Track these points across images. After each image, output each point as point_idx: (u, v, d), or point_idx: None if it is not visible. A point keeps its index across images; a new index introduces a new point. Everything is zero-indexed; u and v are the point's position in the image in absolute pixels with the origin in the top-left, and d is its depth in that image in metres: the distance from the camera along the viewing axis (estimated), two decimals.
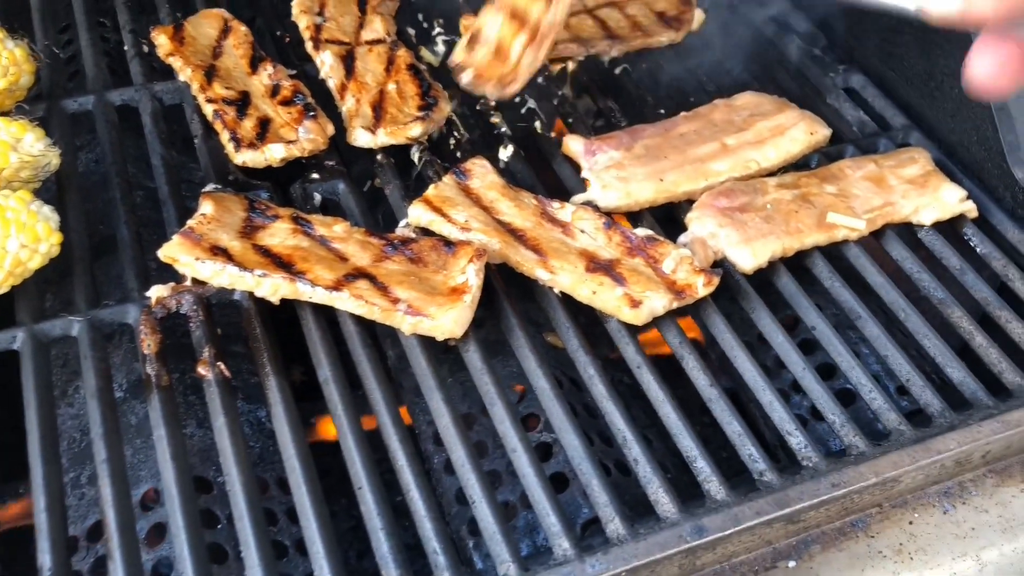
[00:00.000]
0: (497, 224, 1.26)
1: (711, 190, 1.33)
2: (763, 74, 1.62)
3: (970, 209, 1.37)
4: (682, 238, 1.29)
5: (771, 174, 1.40)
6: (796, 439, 1.10)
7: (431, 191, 1.28)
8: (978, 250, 1.35)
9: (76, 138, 1.41)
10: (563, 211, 1.29)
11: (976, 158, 1.43)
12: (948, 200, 1.36)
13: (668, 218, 1.35)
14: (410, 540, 1.06)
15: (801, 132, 1.42)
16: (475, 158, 1.34)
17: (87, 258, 1.22)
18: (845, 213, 1.31)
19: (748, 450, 1.08)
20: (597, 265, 1.23)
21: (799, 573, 1.03)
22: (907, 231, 1.37)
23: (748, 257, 1.26)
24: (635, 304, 1.18)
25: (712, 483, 1.05)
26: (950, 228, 1.38)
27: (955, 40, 1.40)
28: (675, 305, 1.21)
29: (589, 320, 1.24)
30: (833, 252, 1.32)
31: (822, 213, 1.31)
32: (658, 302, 1.19)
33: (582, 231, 1.27)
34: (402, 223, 1.28)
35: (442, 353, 1.25)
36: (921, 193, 1.36)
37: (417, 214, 1.26)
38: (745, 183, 1.34)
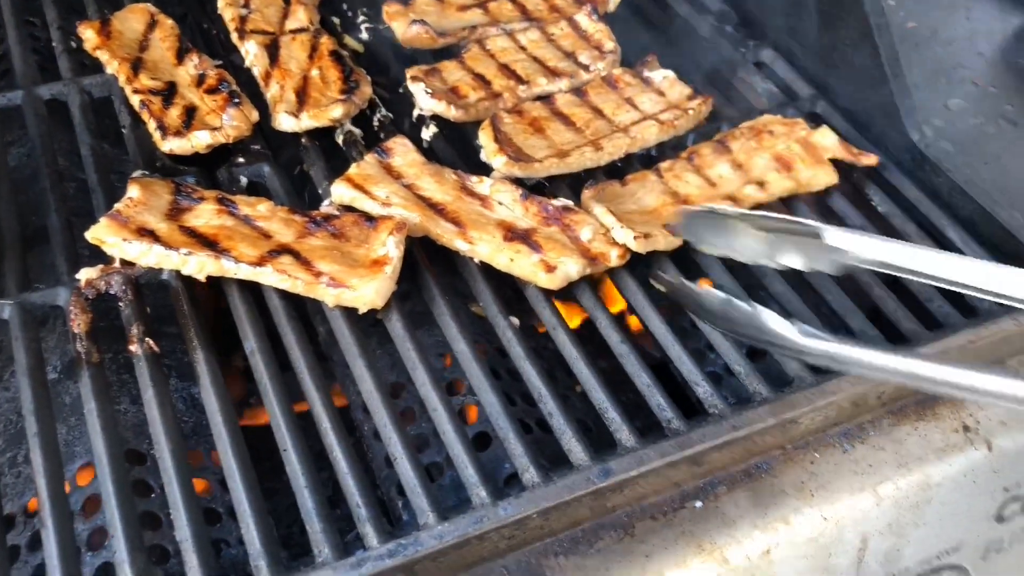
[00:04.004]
0: (418, 199, 1.31)
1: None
2: (677, 51, 1.68)
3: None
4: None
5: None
6: (703, 389, 1.16)
7: (353, 169, 1.33)
8: (879, 209, 1.42)
9: (7, 134, 1.45)
10: (481, 185, 1.34)
11: (878, 123, 1.50)
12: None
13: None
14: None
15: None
16: (396, 137, 1.38)
17: (19, 246, 1.26)
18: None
19: (656, 400, 1.14)
20: (514, 234, 1.28)
21: (705, 513, 1.09)
22: (817, 198, 1.43)
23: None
24: (550, 269, 1.24)
25: (623, 432, 1.11)
26: (854, 191, 1.45)
27: (853, 13, 1.48)
28: (588, 271, 1.26)
29: (514, 292, 1.30)
30: None
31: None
32: (572, 267, 1.24)
33: (500, 203, 1.33)
34: (326, 202, 1.33)
35: (370, 327, 1.29)
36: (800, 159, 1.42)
37: (340, 192, 1.30)
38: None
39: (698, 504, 1.10)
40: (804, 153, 1.42)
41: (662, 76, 1.52)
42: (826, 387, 1.14)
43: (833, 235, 1.10)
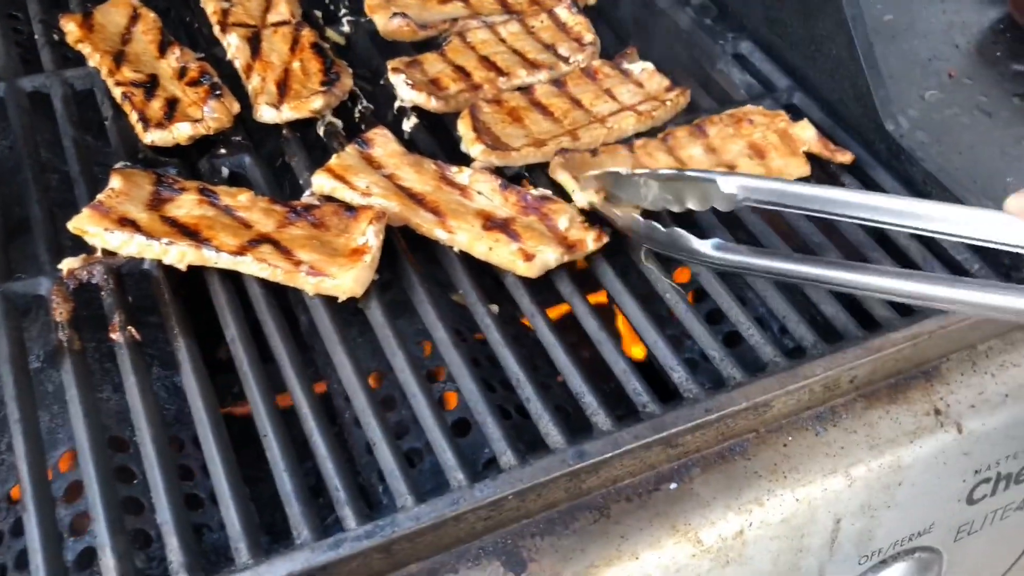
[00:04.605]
0: (397, 189, 1.32)
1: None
2: (656, 44, 1.70)
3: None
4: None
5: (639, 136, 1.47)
6: (678, 374, 1.18)
7: (334, 160, 1.34)
8: None
9: None
10: (461, 175, 1.36)
11: (854, 114, 1.52)
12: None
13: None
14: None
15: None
16: (377, 128, 1.40)
17: (1, 236, 1.27)
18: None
19: (633, 385, 1.16)
20: (493, 224, 1.29)
21: (680, 494, 1.11)
22: None
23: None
24: (528, 258, 1.25)
25: (599, 416, 1.12)
26: (830, 180, 1.47)
27: (830, 5, 1.50)
28: (567, 259, 1.28)
29: (494, 281, 1.31)
30: None
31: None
32: (550, 255, 1.26)
33: (479, 193, 1.34)
34: (307, 192, 1.34)
35: (351, 316, 1.31)
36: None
37: (320, 182, 1.32)
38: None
39: (672, 486, 1.11)
40: (780, 143, 1.44)
41: (640, 68, 1.54)
42: (798, 371, 1.16)
43: (726, 181, 1.19)
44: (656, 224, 1.23)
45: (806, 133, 1.46)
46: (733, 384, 1.16)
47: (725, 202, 1.20)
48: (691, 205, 1.25)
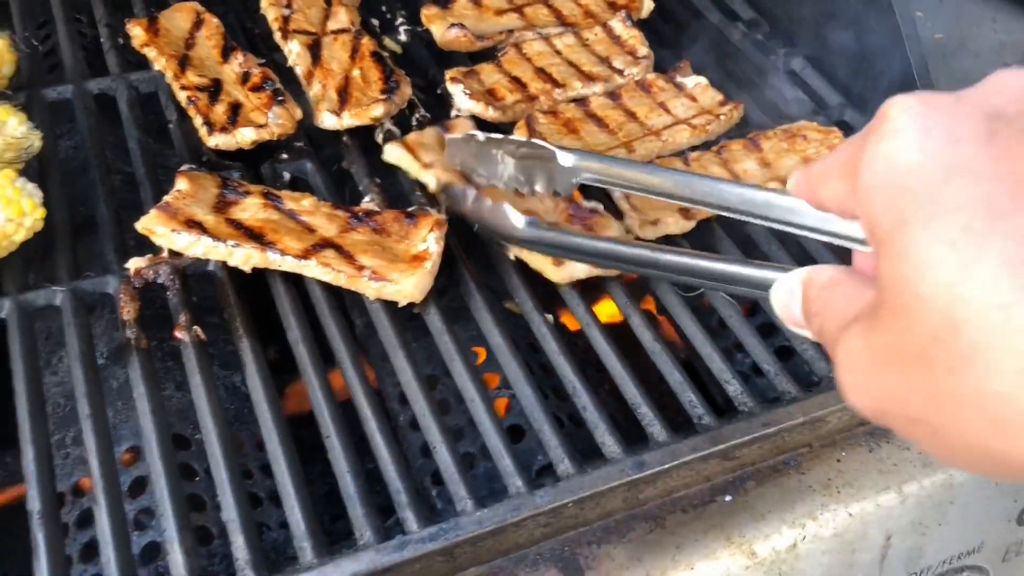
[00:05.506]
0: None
1: None
2: (707, 58, 1.71)
3: None
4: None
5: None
6: (733, 387, 1.19)
7: (411, 135, 1.39)
8: None
9: (56, 127, 1.49)
10: None
11: None
12: None
13: None
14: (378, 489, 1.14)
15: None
16: (462, 118, 1.43)
17: (69, 235, 1.30)
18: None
19: (688, 397, 1.17)
20: None
21: (735, 506, 1.12)
22: None
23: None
24: (559, 263, 1.28)
25: (655, 427, 1.14)
26: None
27: (884, 24, 1.51)
28: (595, 273, 1.29)
29: (547, 290, 1.33)
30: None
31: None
32: (578, 268, 1.28)
33: (536, 196, 1.36)
34: (366, 198, 1.37)
35: (407, 321, 1.33)
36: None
37: (391, 151, 1.38)
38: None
39: (728, 498, 1.12)
40: None
41: (694, 82, 1.56)
42: None
43: (564, 156, 1.15)
44: (471, 192, 1.23)
45: None
46: (789, 398, 1.17)
47: (565, 179, 1.16)
48: (539, 186, 1.22)
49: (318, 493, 1.40)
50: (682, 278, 0.98)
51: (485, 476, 1.24)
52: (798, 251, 1.37)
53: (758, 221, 0.82)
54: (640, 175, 1.03)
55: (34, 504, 1.03)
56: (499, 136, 1.29)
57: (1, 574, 1.37)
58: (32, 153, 1.30)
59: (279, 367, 1.33)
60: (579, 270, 1.28)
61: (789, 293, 0.70)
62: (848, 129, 1.56)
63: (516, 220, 1.16)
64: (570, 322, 1.37)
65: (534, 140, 1.21)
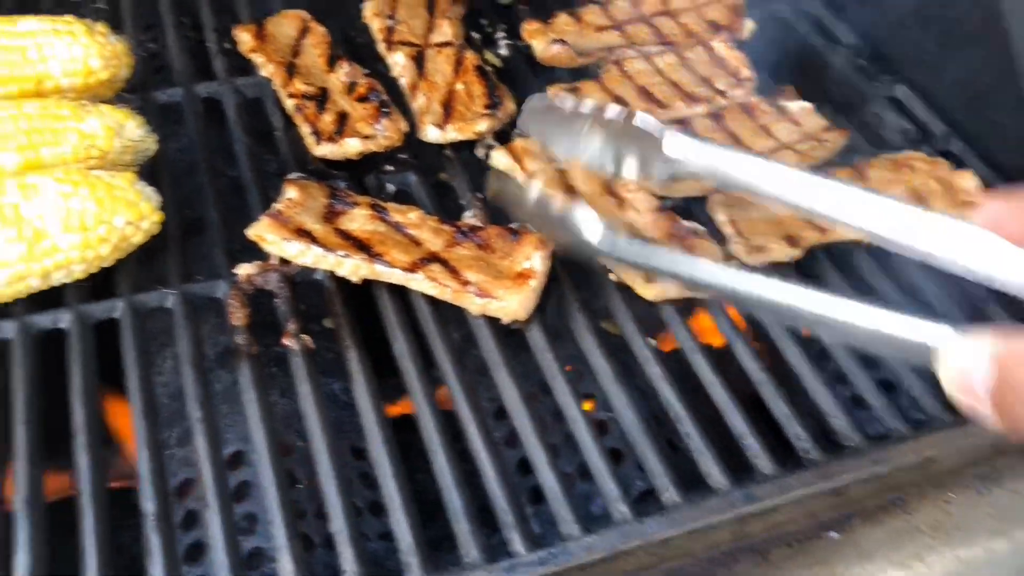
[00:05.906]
0: (562, 183, 1.36)
1: None
2: (809, 82, 1.69)
3: None
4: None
5: None
6: (839, 421, 1.17)
7: (518, 140, 1.40)
8: None
9: (163, 128, 1.51)
10: (626, 190, 1.37)
11: (1017, 165, 1.50)
12: (965, 185, 1.42)
13: None
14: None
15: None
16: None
17: (179, 237, 1.32)
18: None
19: (794, 429, 1.16)
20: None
21: (842, 544, 1.10)
22: None
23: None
24: (650, 280, 1.27)
25: (760, 459, 1.12)
26: None
27: (998, 53, 1.47)
28: (688, 294, 1.28)
29: (647, 312, 1.32)
30: (873, 249, 1.39)
31: None
32: (671, 287, 1.27)
33: (636, 210, 1.35)
34: (467, 213, 1.37)
35: (505, 336, 1.33)
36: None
37: (499, 157, 1.39)
38: None
39: (834, 535, 1.11)
40: (941, 191, 1.42)
41: (799, 107, 1.54)
42: (968, 430, 1.15)
43: (671, 140, 0.98)
44: (535, 187, 1.08)
45: (968, 183, 1.44)
46: (897, 436, 1.15)
47: (664, 168, 1.00)
48: (627, 170, 1.04)
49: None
50: (787, 322, 0.86)
51: (581, 497, 1.24)
52: (908, 288, 1.34)
53: (914, 252, 0.69)
54: (773, 182, 0.88)
55: (148, 505, 1.05)
56: (593, 104, 1.08)
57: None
58: (147, 156, 1.33)
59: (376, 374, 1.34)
60: (672, 290, 1.27)
61: (971, 363, 0.61)
62: (954, 160, 1.53)
63: (590, 230, 1.01)
64: (668, 341, 1.36)
65: (639, 114, 1.02)
